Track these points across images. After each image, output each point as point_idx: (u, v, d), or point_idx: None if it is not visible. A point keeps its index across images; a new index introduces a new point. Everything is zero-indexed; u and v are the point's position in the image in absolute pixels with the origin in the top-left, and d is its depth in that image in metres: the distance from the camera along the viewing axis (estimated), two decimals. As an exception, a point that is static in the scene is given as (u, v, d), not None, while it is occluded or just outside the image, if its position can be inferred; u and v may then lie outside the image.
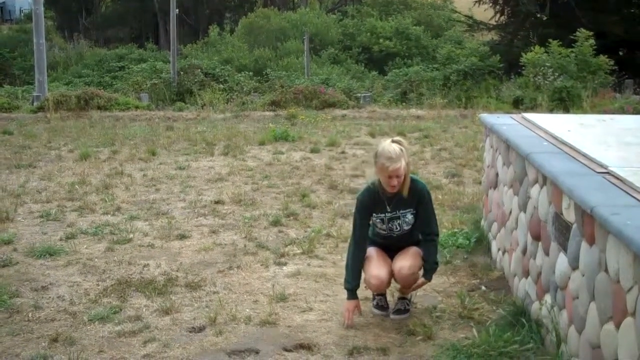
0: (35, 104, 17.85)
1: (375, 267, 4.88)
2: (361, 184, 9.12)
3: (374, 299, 5.11)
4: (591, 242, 3.53)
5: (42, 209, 7.94)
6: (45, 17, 21.48)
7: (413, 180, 4.88)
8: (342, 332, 4.74)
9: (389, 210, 4.84)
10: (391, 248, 4.98)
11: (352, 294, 4.91)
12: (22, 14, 66.04)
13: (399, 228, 4.89)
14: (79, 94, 17.79)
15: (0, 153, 11.56)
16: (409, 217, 4.87)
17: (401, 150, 4.67)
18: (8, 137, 13.24)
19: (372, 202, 4.87)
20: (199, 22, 52.92)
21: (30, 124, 15.00)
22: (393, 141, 4.74)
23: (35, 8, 19.26)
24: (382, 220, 4.89)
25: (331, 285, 5.58)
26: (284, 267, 6.02)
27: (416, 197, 4.85)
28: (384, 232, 4.94)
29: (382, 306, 5.06)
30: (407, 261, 4.86)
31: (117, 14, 56.56)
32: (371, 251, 4.99)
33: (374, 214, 4.90)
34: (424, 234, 4.97)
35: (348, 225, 7.20)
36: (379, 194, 4.83)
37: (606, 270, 3.32)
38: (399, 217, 4.86)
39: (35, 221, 7.48)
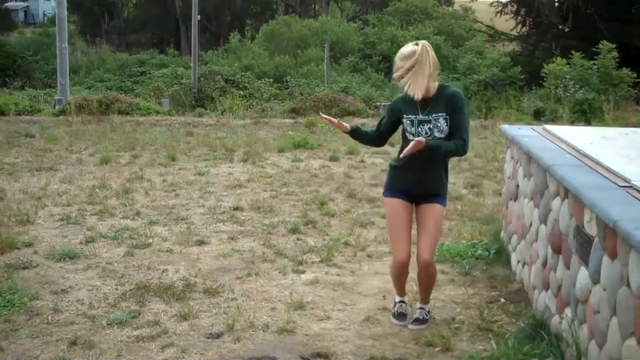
0: (57, 107, 18.04)
1: (398, 246, 4.82)
2: (379, 193, 9.11)
3: (394, 305, 5.08)
4: (613, 256, 3.50)
5: (62, 212, 7.99)
6: (68, 21, 21.71)
7: (444, 86, 4.74)
8: (359, 341, 4.72)
9: (420, 113, 4.68)
10: (416, 166, 4.68)
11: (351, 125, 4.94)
12: (45, 18, 66.82)
13: (428, 133, 4.64)
14: (100, 98, 17.95)
15: (22, 156, 11.66)
16: (442, 122, 4.64)
17: (413, 51, 4.55)
18: (30, 140, 13.36)
19: (402, 103, 4.78)
20: (220, 28, 53.23)
21: (52, 127, 15.13)
22: (415, 44, 4.64)
23: (58, 12, 19.47)
24: (412, 122, 4.69)
25: (349, 293, 5.57)
26: (302, 275, 6.02)
27: (448, 100, 4.66)
28: (412, 138, 4.62)
29: (402, 314, 4.99)
30: (429, 243, 4.78)
31: (139, 19, 57.03)
32: (393, 215, 4.86)
33: (404, 116, 4.74)
34: (452, 136, 4.69)
35: (367, 234, 7.22)
36: (411, 98, 4.66)
37: (628, 285, 3.29)
38: (429, 121, 4.65)
39: (56, 224, 7.53)
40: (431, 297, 5.40)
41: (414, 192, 4.81)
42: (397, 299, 5.10)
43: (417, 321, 4.94)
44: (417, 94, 4.59)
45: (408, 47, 4.64)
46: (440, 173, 4.83)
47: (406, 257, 4.84)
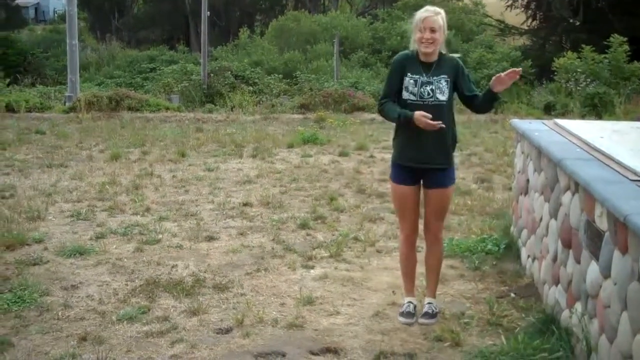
0: (67, 104, 18.08)
1: (406, 223, 4.95)
2: (389, 188, 9.10)
3: (402, 305, 5.06)
4: (624, 250, 3.48)
5: (72, 208, 8.02)
6: (78, 18, 21.74)
7: (442, 53, 4.76)
8: (369, 336, 4.72)
9: (424, 75, 4.69)
10: (422, 136, 4.64)
11: (405, 113, 4.66)
12: (55, 15, 67.04)
13: (431, 94, 4.65)
14: (110, 94, 17.98)
15: (33, 152, 11.70)
16: (443, 83, 4.67)
17: (442, 13, 4.67)
18: (40, 136, 13.40)
19: (406, 60, 4.77)
20: (229, 24, 53.21)
21: (62, 124, 15.18)
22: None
23: (69, 9, 19.51)
24: (415, 82, 4.68)
25: (358, 289, 5.57)
26: (312, 271, 6.02)
27: (451, 66, 4.74)
28: (414, 100, 4.67)
29: (410, 313, 4.95)
30: (437, 219, 4.91)
31: (149, 16, 57.06)
32: (400, 199, 4.93)
33: (408, 74, 4.71)
34: (472, 96, 4.81)
35: (376, 229, 7.21)
36: (415, 58, 4.74)
37: (639, 280, 3.27)
38: (432, 83, 4.66)
39: (66, 220, 7.55)
40: (441, 292, 5.40)
41: (420, 163, 4.75)
42: (406, 299, 5.06)
43: (426, 315, 4.92)
44: (429, 57, 4.70)
45: (430, 6, 4.73)
46: (447, 140, 4.78)
47: (411, 231, 4.97)
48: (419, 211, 4.99)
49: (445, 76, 4.68)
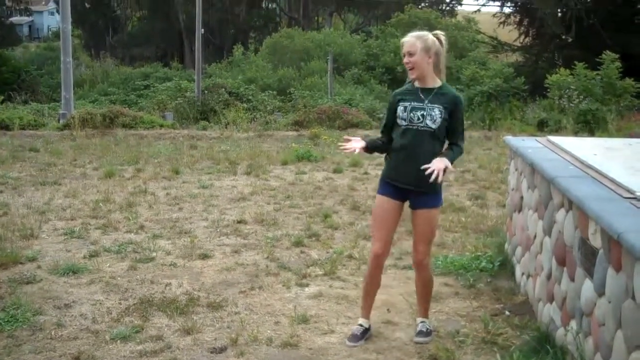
0: (61, 121, 18.08)
1: (377, 238, 4.90)
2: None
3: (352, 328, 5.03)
4: (618, 268, 3.48)
5: (66, 226, 7.99)
6: (72, 35, 21.80)
7: (448, 86, 4.78)
8: (363, 355, 4.70)
9: (416, 101, 4.70)
10: (411, 157, 4.68)
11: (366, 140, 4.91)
12: (49, 32, 67.13)
13: (421, 120, 4.64)
14: (104, 112, 17.98)
15: (26, 170, 11.67)
16: (436, 112, 4.64)
17: (421, 35, 4.66)
18: (34, 154, 13.38)
19: (401, 93, 4.82)
20: (223, 41, 53.39)
21: (56, 142, 15.16)
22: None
23: (63, 27, 19.55)
24: (405, 109, 4.70)
25: (353, 307, 5.55)
26: (306, 289, 6.00)
27: (450, 99, 4.70)
28: (406, 124, 4.69)
29: (355, 335, 4.88)
30: (423, 245, 4.86)
31: (144, 33, 57.24)
32: (379, 209, 4.91)
33: (400, 103, 4.76)
34: (449, 142, 4.79)
35: (370, 247, 7.18)
36: (413, 87, 4.77)
37: (633, 298, 3.26)
38: (424, 109, 4.65)
39: (60, 238, 7.52)
40: (435, 310, 5.40)
41: (405, 184, 4.75)
42: (359, 320, 5.02)
43: (420, 333, 4.91)
44: (422, 82, 4.73)
45: (416, 31, 4.77)
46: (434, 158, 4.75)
47: (380, 250, 4.87)
48: (393, 231, 4.94)
49: (441, 106, 4.66)
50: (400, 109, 4.74)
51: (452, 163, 4.65)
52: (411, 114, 4.68)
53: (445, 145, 4.78)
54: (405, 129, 4.71)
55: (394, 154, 4.82)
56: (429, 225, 4.84)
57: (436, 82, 4.74)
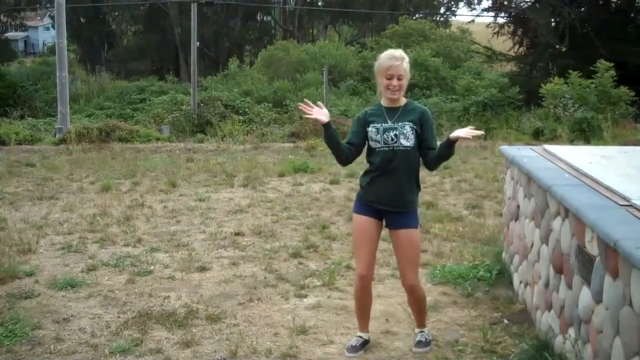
0: (57, 136, 18.10)
1: (360, 260, 4.84)
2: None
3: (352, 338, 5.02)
4: (615, 275, 3.50)
5: (63, 240, 7.99)
6: (68, 50, 21.82)
7: (411, 101, 4.82)
8: (363, 365, 4.71)
9: (387, 122, 4.67)
10: (388, 176, 4.67)
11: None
12: (45, 48, 67.22)
13: (395, 140, 4.62)
14: (100, 126, 18.02)
15: (23, 185, 11.67)
16: (407, 129, 4.62)
17: (403, 56, 4.67)
18: (30, 169, 13.38)
19: (369, 115, 4.79)
20: (219, 54, 53.50)
21: (53, 156, 15.17)
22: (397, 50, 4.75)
23: (58, 41, 19.59)
24: (377, 130, 4.67)
25: (352, 317, 5.54)
26: (304, 300, 6.00)
27: (417, 113, 4.69)
28: (380, 146, 4.66)
29: (354, 347, 4.89)
30: (409, 268, 4.77)
31: (139, 47, 57.33)
32: (358, 230, 4.85)
33: (371, 125, 4.71)
34: (427, 150, 4.70)
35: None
36: (380, 107, 4.77)
37: (630, 305, 3.28)
38: (395, 129, 4.63)
39: (57, 253, 7.52)
40: (434, 319, 5.40)
41: (383, 205, 4.72)
42: (358, 332, 5.04)
43: (420, 344, 4.92)
44: (394, 102, 4.72)
45: (394, 50, 4.77)
46: (412, 187, 4.75)
47: (366, 270, 4.82)
48: (375, 249, 4.88)
49: (411, 123, 4.64)
50: (372, 130, 4.71)
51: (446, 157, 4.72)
52: (384, 135, 4.65)
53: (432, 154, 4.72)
54: (380, 151, 4.68)
55: (371, 175, 4.75)
56: (414, 247, 4.77)
57: (401, 101, 4.75)
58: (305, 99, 5.09)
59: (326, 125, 4.73)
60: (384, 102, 4.77)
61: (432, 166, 4.79)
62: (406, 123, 4.65)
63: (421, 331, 5.01)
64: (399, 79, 4.63)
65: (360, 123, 4.82)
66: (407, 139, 4.63)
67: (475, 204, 9.96)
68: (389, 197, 4.69)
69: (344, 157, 4.81)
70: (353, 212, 4.95)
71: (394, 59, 4.63)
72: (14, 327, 5.29)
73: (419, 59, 34.62)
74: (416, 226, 4.76)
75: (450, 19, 57.77)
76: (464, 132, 4.52)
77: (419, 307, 4.98)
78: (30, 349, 4.99)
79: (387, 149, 4.65)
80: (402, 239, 4.73)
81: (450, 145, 4.53)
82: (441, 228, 8.39)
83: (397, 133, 4.63)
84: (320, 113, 4.75)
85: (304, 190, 11.12)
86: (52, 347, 5.00)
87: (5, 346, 5.00)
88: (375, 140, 4.69)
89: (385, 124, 4.68)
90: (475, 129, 4.57)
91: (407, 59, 4.72)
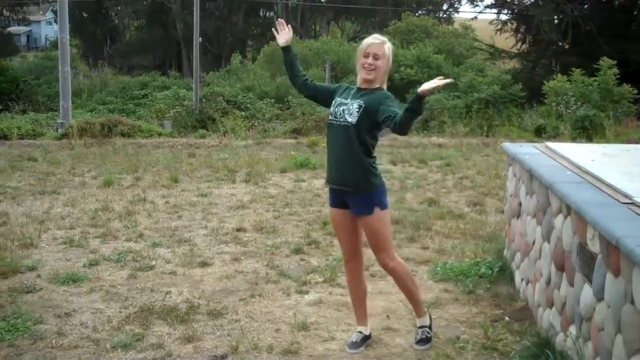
0: (59, 130, 18.09)
1: (343, 250, 4.98)
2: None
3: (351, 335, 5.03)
4: (616, 273, 3.50)
5: (65, 235, 8.00)
6: (70, 45, 21.81)
7: (386, 92, 4.69)
8: (364, 361, 4.71)
9: (347, 98, 4.66)
10: (337, 154, 4.68)
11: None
12: (47, 42, 67.21)
13: (341, 114, 4.61)
14: (102, 121, 18.01)
15: (25, 179, 11.68)
16: (355, 106, 4.56)
17: (386, 41, 4.68)
18: (32, 163, 13.39)
19: (342, 88, 4.84)
20: (221, 50, 53.49)
21: (55, 151, 15.17)
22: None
23: (61, 36, 19.58)
24: (334, 103, 4.72)
25: (353, 314, 5.53)
26: (306, 296, 6.01)
27: (375, 96, 4.60)
28: (331, 119, 4.71)
29: (354, 342, 4.89)
30: (379, 252, 4.79)
31: (141, 42, 57.34)
32: (334, 224, 4.97)
33: (336, 98, 4.75)
34: (394, 115, 4.45)
35: (370, 254, 7.17)
36: (353, 86, 4.81)
37: (632, 302, 3.28)
38: (346, 104, 4.62)
39: (59, 247, 7.53)
40: (435, 316, 5.40)
41: (333, 183, 4.74)
42: (357, 327, 5.04)
43: (421, 341, 4.92)
44: (368, 84, 4.68)
45: (377, 35, 4.80)
46: (361, 164, 4.61)
47: (350, 257, 4.93)
48: (356, 237, 4.89)
49: (361, 101, 4.58)
50: (333, 102, 4.75)
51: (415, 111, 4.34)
52: (335, 109, 4.68)
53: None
54: (329, 124, 4.74)
55: (327, 154, 4.84)
56: (374, 232, 4.73)
57: (374, 86, 4.67)
58: (280, 19, 5.22)
59: (285, 49, 4.97)
60: (358, 83, 4.75)
61: (403, 125, 4.41)
62: (356, 101, 4.60)
63: (421, 326, 4.99)
64: (376, 58, 4.60)
65: (333, 87, 4.93)
66: (350, 115, 4.58)
67: (476, 201, 9.96)
68: (338, 175, 4.70)
69: (295, 79, 5.01)
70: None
71: (375, 39, 4.67)
72: (15, 321, 5.30)
73: (421, 56, 34.62)
74: (371, 211, 4.67)
75: (453, 16, 57.77)
76: (432, 83, 4.28)
77: (405, 288, 4.92)
78: (32, 343, 5.00)
79: (334, 122, 4.68)
80: (364, 226, 4.77)
81: (419, 100, 4.29)
82: (443, 225, 8.39)
83: (344, 109, 4.62)
84: (283, 34, 4.97)
85: (306, 186, 11.12)
86: (53, 342, 5.01)
87: (7, 340, 5.01)
88: (330, 113, 4.75)
89: (342, 99, 4.69)
90: (444, 78, 4.37)
91: (389, 45, 4.70)
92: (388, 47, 4.68)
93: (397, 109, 4.51)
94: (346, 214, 4.81)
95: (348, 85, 4.92)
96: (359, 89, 4.70)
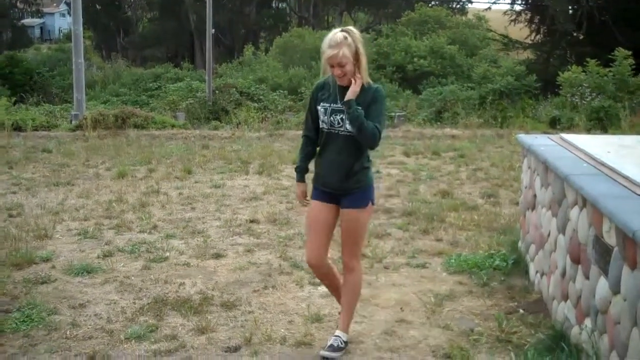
0: (73, 122, 18.14)
1: (309, 247, 4.82)
2: (395, 204, 9.10)
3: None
4: (633, 266, 3.47)
5: (80, 226, 8.03)
6: (84, 37, 21.86)
7: (370, 83, 4.45)
8: (377, 354, 4.70)
9: (336, 102, 4.41)
10: (332, 153, 4.52)
11: (299, 175, 4.81)
12: (61, 34, 67.42)
13: (340, 124, 4.40)
14: (116, 112, 18.03)
15: (39, 171, 11.73)
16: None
17: (345, 38, 4.29)
18: (47, 155, 13.44)
19: (320, 90, 4.55)
20: (234, 41, 53.50)
21: (69, 142, 15.22)
22: (341, 30, 4.38)
23: (74, 28, 19.61)
24: (325, 110, 4.44)
25: (366, 306, 5.55)
26: (319, 287, 5.99)
27: (369, 95, 4.38)
28: (327, 128, 4.47)
29: (332, 346, 4.62)
30: (348, 249, 4.74)
31: (155, 34, 57.42)
32: (310, 216, 4.79)
33: (320, 103, 4.50)
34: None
35: (383, 246, 7.20)
36: (333, 85, 4.47)
37: (649, 296, 3.26)
38: (343, 112, 4.36)
39: (73, 239, 7.56)
40: (450, 308, 5.39)
41: (334, 190, 4.58)
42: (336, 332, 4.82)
43: (330, 347, 4.62)
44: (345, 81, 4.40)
45: (334, 35, 4.36)
46: (355, 169, 4.52)
47: (313, 259, 4.73)
48: (328, 236, 4.75)
49: (359, 107, 4.33)
50: (320, 110, 4.50)
51: (357, 117, 4.27)
52: (331, 118, 4.44)
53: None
54: (327, 134, 4.51)
55: (319, 159, 4.64)
56: (353, 225, 4.62)
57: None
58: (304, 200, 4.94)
59: (303, 180, 4.87)
60: (338, 81, 4.46)
61: (364, 142, 4.42)
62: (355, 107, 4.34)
63: (338, 335, 4.70)
64: (341, 65, 4.30)
65: (311, 103, 4.64)
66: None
67: (491, 192, 9.91)
68: (338, 183, 4.56)
69: (313, 155, 4.77)
70: (311, 197, 4.81)
71: (332, 47, 4.29)
72: (30, 312, 5.34)
73: (434, 47, 34.46)
74: (364, 206, 4.61)
75: (466, 6, 57.47)
76: (351, 91, 4.30)
77: (348, 295, 4.78)
78: (46, 334, 5.03)
79: (333, 131, 4.48)
80: (345, 216, 4.64)
81: (345, 104, 4.29)
82: (457, 217, 8.36)
83: (344, 117, 4.38)
84: (303, 199, 4.91)
85: (319, 177, 11.09)
86: (68, 333, 5.03)
87: (22, 331, 5.04)
88: (323, 121, 4.51)
89: (334, 105, 4.44)
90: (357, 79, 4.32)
91: (349, 39, 4.31)
92: (350, 41, 4.32)
93: (377, 117, 4.38)
94: (332, 208, 4.67)
95: (323, 82, 4.58)
96: (346, 88, 4.38)
